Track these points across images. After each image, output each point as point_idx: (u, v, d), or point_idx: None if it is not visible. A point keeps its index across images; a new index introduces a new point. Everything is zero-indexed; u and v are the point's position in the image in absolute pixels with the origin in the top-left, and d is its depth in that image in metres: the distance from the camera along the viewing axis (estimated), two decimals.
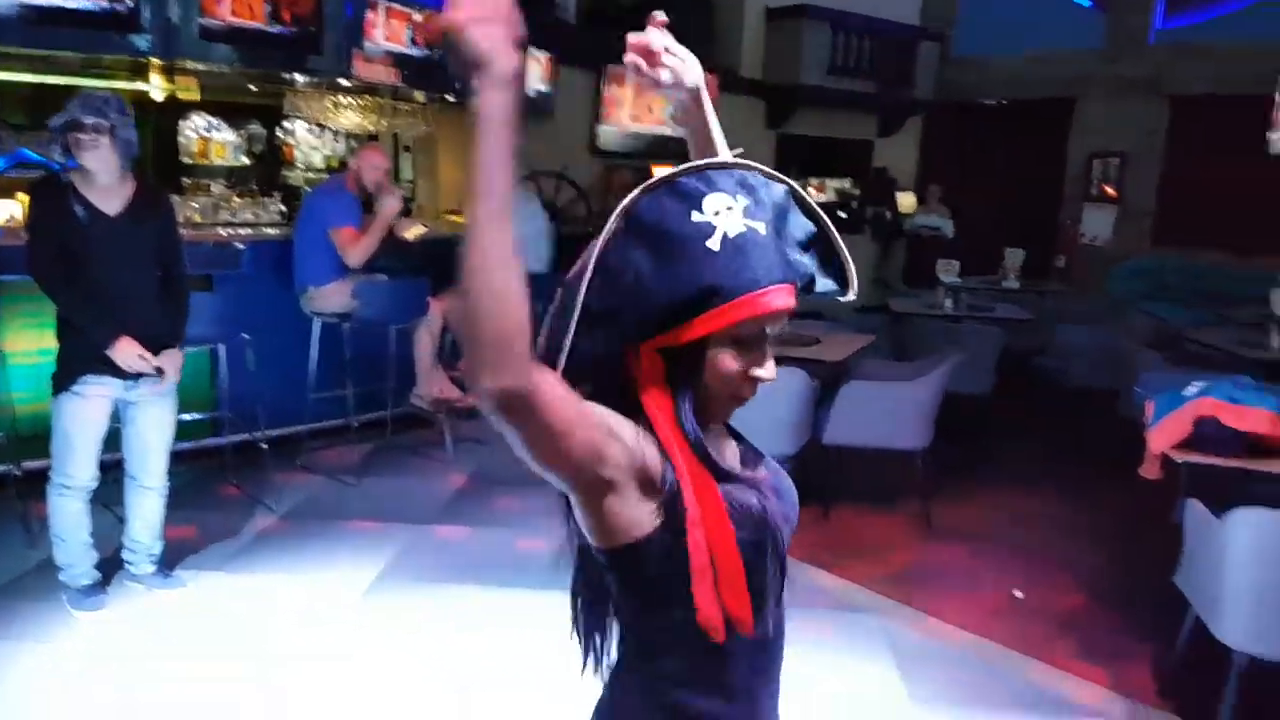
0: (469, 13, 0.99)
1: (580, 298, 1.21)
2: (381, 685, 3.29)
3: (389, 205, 5.25)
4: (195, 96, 6.13)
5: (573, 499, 1.25)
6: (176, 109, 7.15)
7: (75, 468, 3.49)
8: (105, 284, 3.40)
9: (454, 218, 7.75)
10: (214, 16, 5.55)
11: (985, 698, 3.42)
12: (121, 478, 3.74)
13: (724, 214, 1.21)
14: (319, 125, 7.71)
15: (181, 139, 7.54)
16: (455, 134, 7.98)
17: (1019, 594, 4.21)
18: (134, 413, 3.63)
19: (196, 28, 5.50)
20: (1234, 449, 3.36)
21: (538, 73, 8.00)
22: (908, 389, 4.81)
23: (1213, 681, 3.06)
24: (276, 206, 6.77)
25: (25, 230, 3.58)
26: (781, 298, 1.23)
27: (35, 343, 4.42)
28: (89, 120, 3.31)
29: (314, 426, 5.49)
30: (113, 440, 3.64)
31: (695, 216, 1.20)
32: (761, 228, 1.23)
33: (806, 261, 1.31)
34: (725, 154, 1.41)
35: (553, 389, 1.11)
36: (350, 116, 7.01)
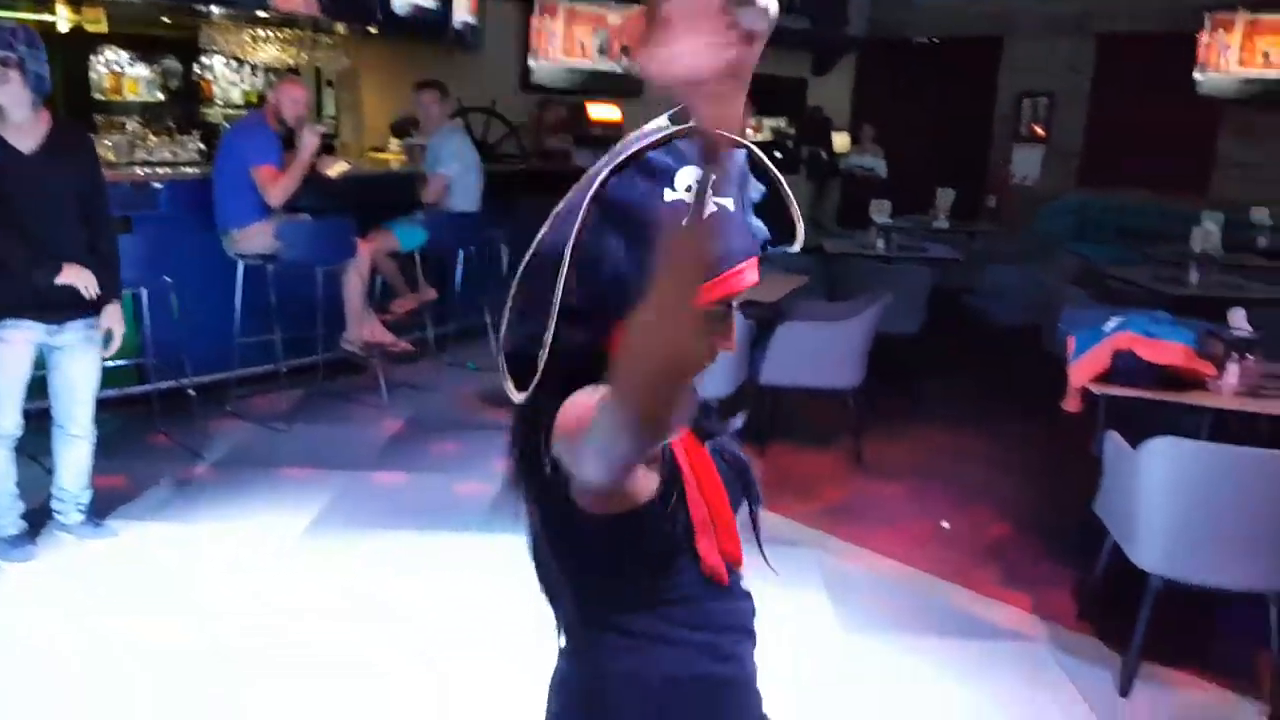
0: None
1: (557, 296, 1.13)
2: (318, 632, 3.28)
3: (309, 141, 5.11)
4: (104, 28, 5.90)
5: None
6: (85, 42, 6.86)
7: None
8: (28, 226, 3.28)
9: (378, 154, 7.60)
10: None
11: (913, 623, 3.54)
12: (49, 427, 3.65)
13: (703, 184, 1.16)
14: (237, 60, 7.46)
15: (92, 74, 7.25)
16: (378, 67, 7.80)
17: (946, 525, 4.35)
18: (59, 358, 3.53)
19: None
20: (1150, 381, 3.45)
21: (465, 4, 7.81)
22: (840, 329, 4.87)
23: (1129, 604, 3.18)
24: (195, 144, 6.57)
25: None
26: (751, 273, 1.20)
27: None
28: None
29: (242, 373, 5.40)
30: (38, 388, 3.55)
31: (668, 195, 1.14)
32: (730, 203, 1.17)
33: (761, 225, 1.25)
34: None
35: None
36: (269, 50, 6.79)
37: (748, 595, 1.35)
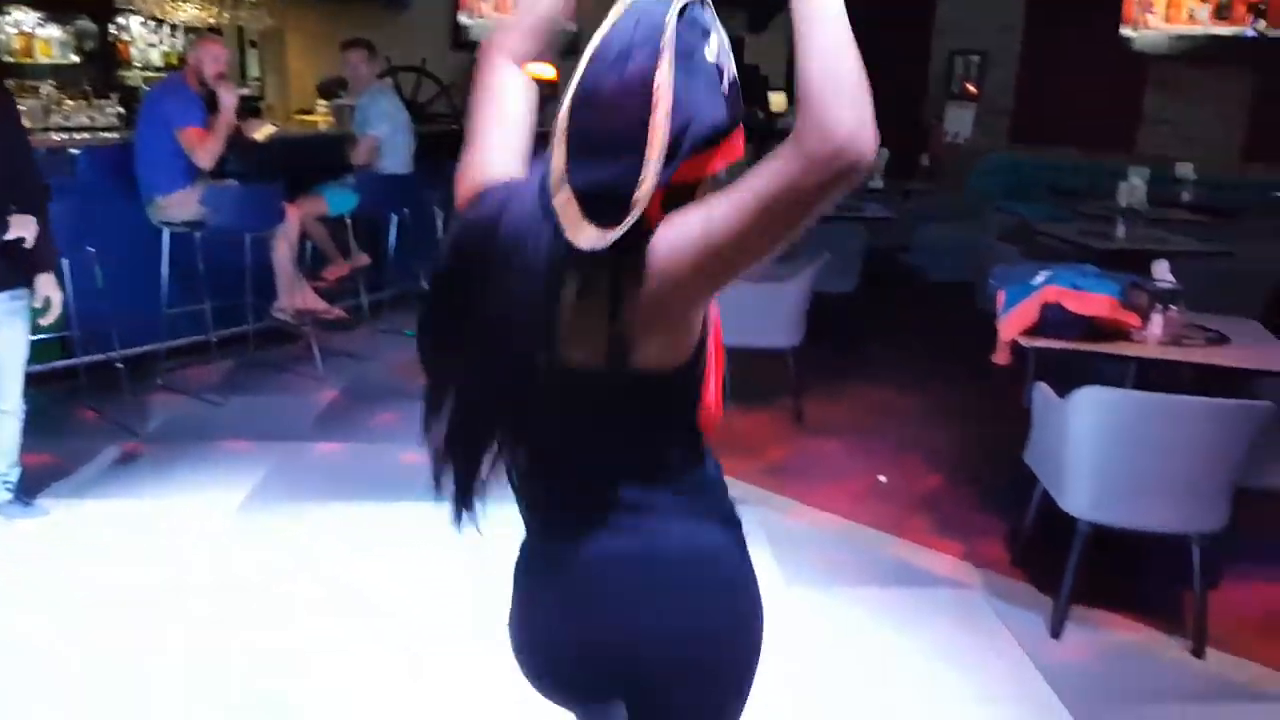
0: None
1: (656, 130, 1.13)
2: (263, 605, 3.24)
3: (227, 100, 4.98)
4: None
5: (701, 301, 1.26)
6: None
7: None
8: None
9: (305, 117, 7.42)
10: None
11: (852, 574, 3.61)
12: None
13: (722, 54, 1.21)
14: (155, 20, 7.22)
15: (0, 35, 6.98)
16: (304, 26, 7.61)
17: (883, 479, 4.43)
18: None
19: None
20: (1077, 333, 3.51)
21: None
22: (779, 289, 4.89)
23: (1059, 549, 3.26)
24: (114, 109, 6.37)
25: None
26: (741, 143, 1.24)
27: None
28: None
29: (171, 344, 5.27)
30: None
31: (707, 54, 1.19)
32: (732, 68, 1.23)
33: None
34: None
35: None
36: (189, 9, 6.60)
37: None
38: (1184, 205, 7.84)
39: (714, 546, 1.38)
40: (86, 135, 5.64)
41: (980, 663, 3.12)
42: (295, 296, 5.66)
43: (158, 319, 5.08)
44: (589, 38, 1.21)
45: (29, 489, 3.75)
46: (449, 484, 1.34)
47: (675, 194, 1.19)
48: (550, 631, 1.38)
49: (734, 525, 1.41)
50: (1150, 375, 3.81)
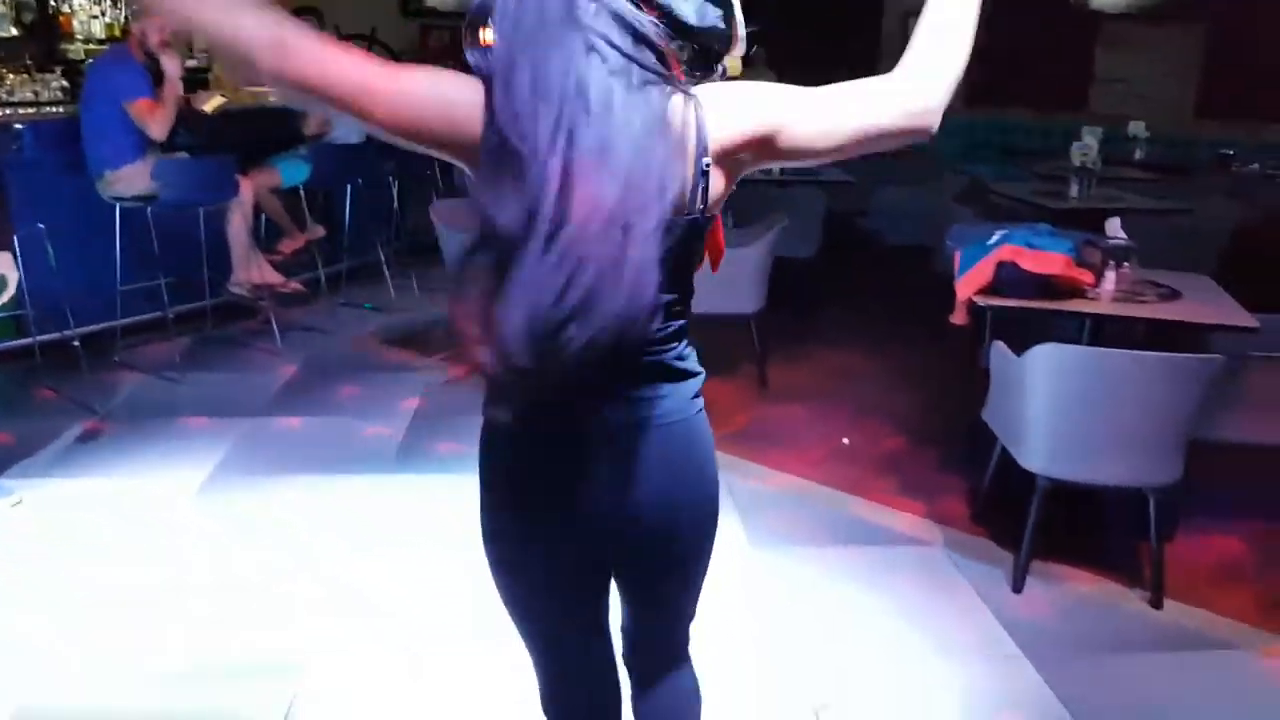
0: None
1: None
2: (232, 579, 3.23)
3: (171, 68, 4.89)
4: None
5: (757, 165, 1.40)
6: None
7: None
8: None
9: (255, 89, 7.28)
10: None
11: (817, 535, 3.65)
12: None
13: None
14: None
15: None
16: None
17: (846, 441, 4.48)
18: None
19: None
20: (1032, 291, 3.52)
21: None
22: (739, 255, 4.89)
23: (1019, 506, 3.31)
24: (58, 83, 6.20)
25: None
26: None
27: None
28: None
29: (127, 321, 5.21)
30: None
31: None
32: None
33: None
34: None
35: None
36: None
37: None
38: (1137, 163, 7.94)
39: (703, 416, 1.55)
40: (31, 110, 5.50)
41: (943, 618, 3.16)
42: (251, 271, 5.59)
43: (113, 296, 5.01)
44: None
45: None
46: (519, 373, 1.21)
47: None
48: (596, 502, 1.45)
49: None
50: (1106, 332, 3.84)
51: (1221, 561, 3.57)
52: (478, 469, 1.52)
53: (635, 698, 1.80)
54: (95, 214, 4.94)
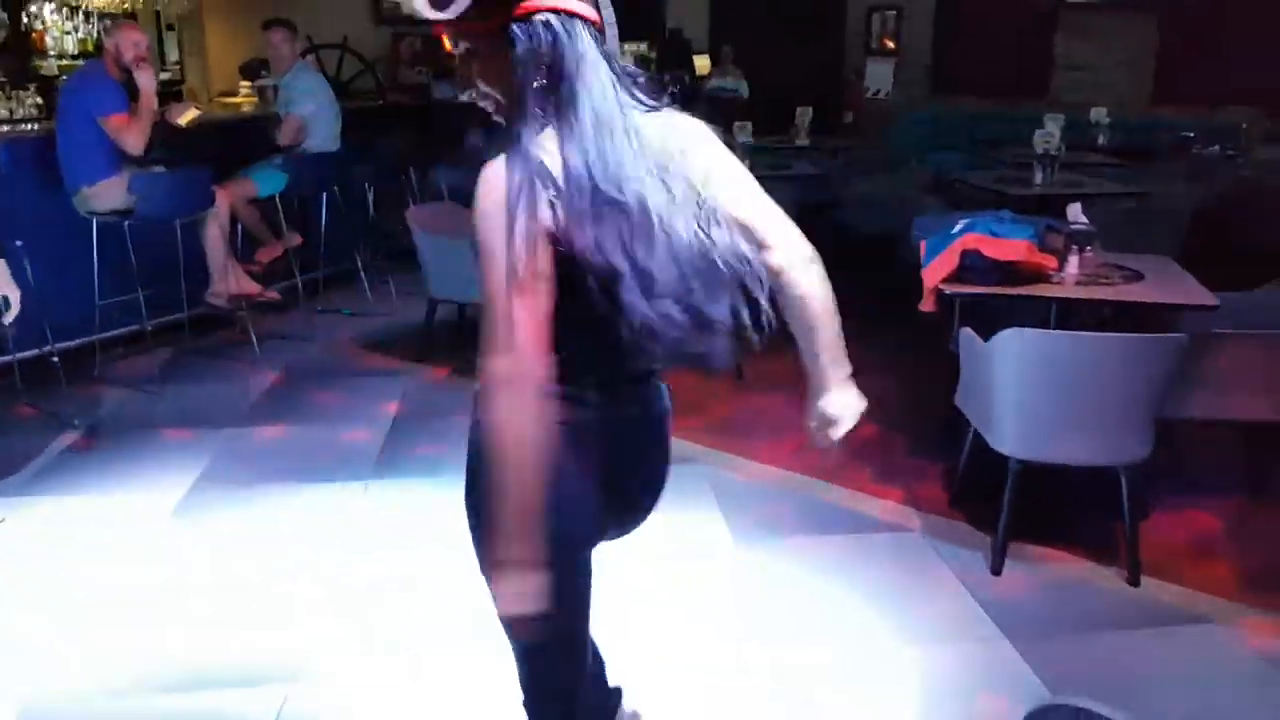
0: None
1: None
2: (262, 606, 3.23)
3: (145, 83, 4.91)
4: None
5: None
6: None
7: None
8: None
9: (228, 99, 7.32)
10: None
11: (797, 524, 3.70)
12: None
13: None
14: (69, 7, 7.04)
15: None
16: (221, 7, 7.48)
17: None
18: None
19: None
20: (996, 277, 3.59)
21: None
22: None
23: (994, 488, 3.34)
24: (32, 100, 6.23)
25: None
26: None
27: None
28: None
29: (106, 336, 5.23)
30: None
31: None
32: None
33: None
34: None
35: None
36: None
37: None
38: (1100, 149, 8.06)
39: None
40: (6, 128, 5.50)
41: (922, 602, 3.20)
42: (229, 281, 5.61)
43: (91, 311, 5.02)
44: None
45: None
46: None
47: None
48: (634, 475, 1.78)
49: None
50: (1073, 315, 3.90)
51: (1197, 537, 3.60)
52: (553, 467, 1.55)
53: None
54: (72, 230, 4.95)
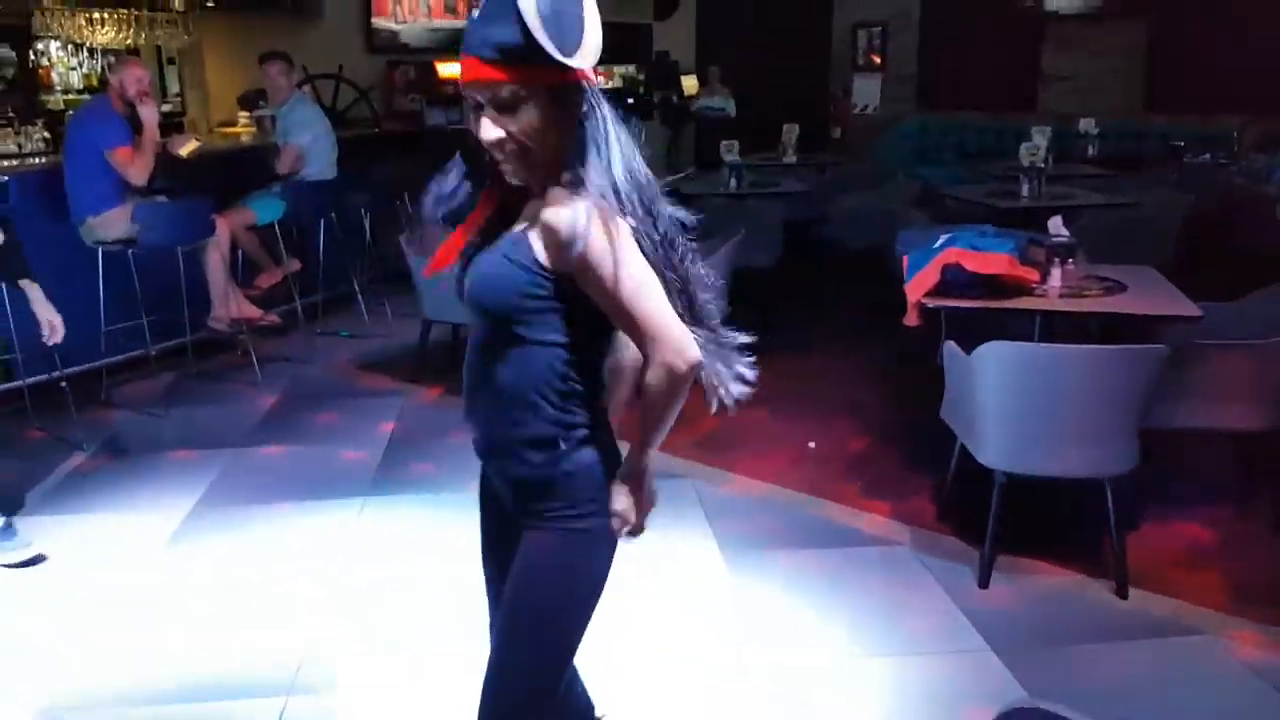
0: None
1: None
2: (262, 606, 3.31)
3: (149, 116, 5.04)
4: None
5: None
6: None
7: None
8: None
9: (227, 130, 7.43)
10: None
11: (786, 538, 3.73)
12: None
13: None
14: (74, 44, 7.16)
15: None
16: (220, 41, 7.60)
17: (812, 445, 4.58)
18: None
19: None
20: (978, 291, 3.62)
21: None
22: None
23: (981, 502, 3.35)
24: (40, 134, 6.33)
25: None
26: (463, 70, 1.57)
27: None
28: None
29: (112, 361, 5.31)
30: None
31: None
32: (476, 14, 1.54)
33: (505, 30, 1.51)
34: None
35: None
36: (107, 32, 6.58)
37: None
38: (1090, 159, 8.11)
39: None
40: (14, 161, 5.63)
41: (910, 615, 3.20)
42: (230, 306, 5.72)
43: (97, 337, 5.11)
44: None
45: None
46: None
47: None
48: None
49: None
50: (1058, 327, 3.92)
51: (1185, 548, 3.60)
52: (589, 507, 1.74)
53: None
54: (79, 259, 5.05)
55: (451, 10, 9.25)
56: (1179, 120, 9.17)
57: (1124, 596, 3.29)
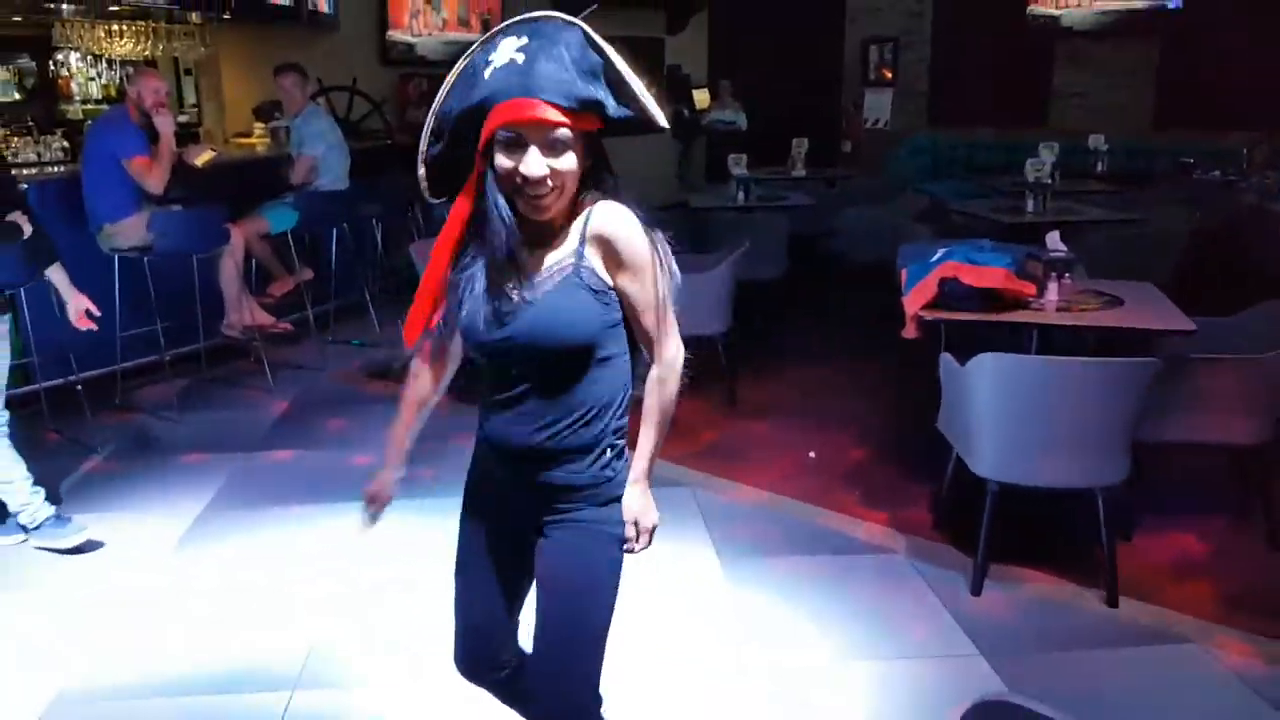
0: None
1: (431, 118, 1.73)
2: (262, 606, 3.37)
3: (166, 127, 5.14)
4: None
5: None
6: None
7: None
8: None
9: (243, 140, 7.55)
10: None
11: (784, 546, 3.78)
12: None
13: (503, 50, 1.60)
14: (93, 55, 7.31)
15: None
16: (236, 52, 7.72)
17: (812, 455, 4.63)
18: None
19: None
20: (975, 304, 3.67)
21: None
22: (704, 279, 5.08)
23: (976, 511, 3.40)
24: (59, 143, 6.47)
25: None
26: (525, 109, 1.60)
27: None
28: None
29: (127, 366, 5.41)
30: None
31: (489, 55, 1.64)
32: (521, 58, 1.60)
33: (593, 89, 1.63)
34: None
35: None
36: (125, 43, 6.71)
37: None
38: (1099, 175, 8.12)
39: None
40: (34, 170, 5.75)
41: (904, 622, 3.25)
42: (243, 313, 5.82)
43: (113, 342, 5.21)
44: None
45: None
46: None
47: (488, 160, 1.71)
48: None
49: None
50: (1055, 340, 3.95)
51: (1175, 558, 3.64)
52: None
53: None
54: (95, 266, 5.13)
55: (465, 24, 9.37)
56: (1189, 137, 9.15)
57: (1114, 605, 3.32)
